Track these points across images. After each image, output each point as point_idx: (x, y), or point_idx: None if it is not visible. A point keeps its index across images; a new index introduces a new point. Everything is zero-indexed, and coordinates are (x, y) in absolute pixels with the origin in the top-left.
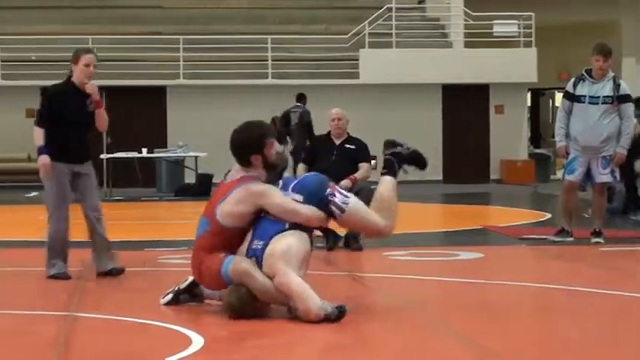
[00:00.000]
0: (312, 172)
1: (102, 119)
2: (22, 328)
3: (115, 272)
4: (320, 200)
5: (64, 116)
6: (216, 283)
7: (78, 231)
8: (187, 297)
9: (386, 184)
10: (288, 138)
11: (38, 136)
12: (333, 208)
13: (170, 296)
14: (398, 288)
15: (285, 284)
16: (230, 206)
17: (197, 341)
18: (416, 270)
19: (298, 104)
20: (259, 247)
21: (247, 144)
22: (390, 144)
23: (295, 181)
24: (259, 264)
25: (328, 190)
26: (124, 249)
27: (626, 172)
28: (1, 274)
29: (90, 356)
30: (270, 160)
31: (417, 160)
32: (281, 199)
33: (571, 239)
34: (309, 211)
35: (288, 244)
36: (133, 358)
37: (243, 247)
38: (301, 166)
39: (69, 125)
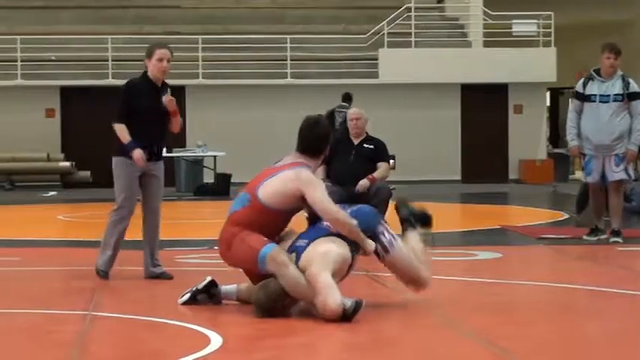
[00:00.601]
0: (366, 205)
1: (175, 123)
2: (42, 327)
3: (165, 277)
4: (370, 233)
5: (137, 112)
6: (246, 261)
7: (87, 230)
8: (205, 297)
9: (413, 239)
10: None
11: (122, 133)
12: (379, 246)
13: (187, 296)
14: None
15: (314, 276)
16: (276, 183)
17: (215, 340)
18: (434, 269)
19: (343, 104)
20: (302, 245)
21: (325, 134)
22: (402, 206)
23: (350, 209)
24: (297, 261)
25: (380, 227)
26: (143, 248)
27: None
28: (20, 274)
29: (109, 355)
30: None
31: (424, 219)
32: (323, 194)
33: (605, 236)
34: (341, 216)
35: (329, 247)
36: (151, 357)
37: (286, 244)
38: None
39: (142, 121)
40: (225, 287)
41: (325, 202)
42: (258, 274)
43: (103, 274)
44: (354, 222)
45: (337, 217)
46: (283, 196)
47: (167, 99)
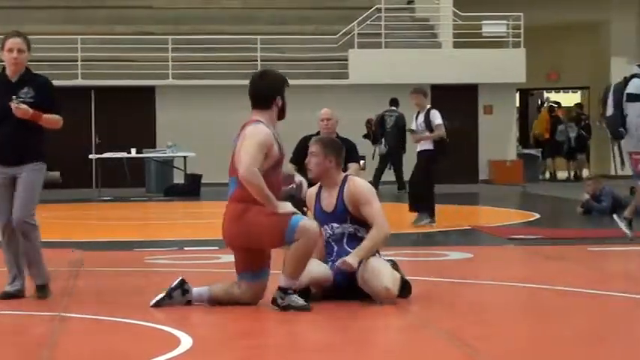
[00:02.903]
0: None
1: (46, 124)
2: (11, 329)
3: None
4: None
5: None
6: (266, 230)
7: (56, 231)
8: (179, 293)
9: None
10: (383, 140)
11: None
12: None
13: (162, 295)
14: None
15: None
16: (242, 152)
17: (186, 341)
18: (405, 270)
19: (392, 108)
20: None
21: (272, 87)
22: None
23: None
24: None
25: None
26: (112, 249)
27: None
28: None
29: (79, 357)
30: (284, 106)
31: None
32: (255, 150)
33: None
34: (249, 175)
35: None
36: (121, 358)
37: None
38: (290, 166)
39: None
40: (197, 289)
41: (250, 153)
42: (257, 248)
43: (12, 294)
44: (263, 184)
45: (246, 176)
46: None
47: (14, 106)
